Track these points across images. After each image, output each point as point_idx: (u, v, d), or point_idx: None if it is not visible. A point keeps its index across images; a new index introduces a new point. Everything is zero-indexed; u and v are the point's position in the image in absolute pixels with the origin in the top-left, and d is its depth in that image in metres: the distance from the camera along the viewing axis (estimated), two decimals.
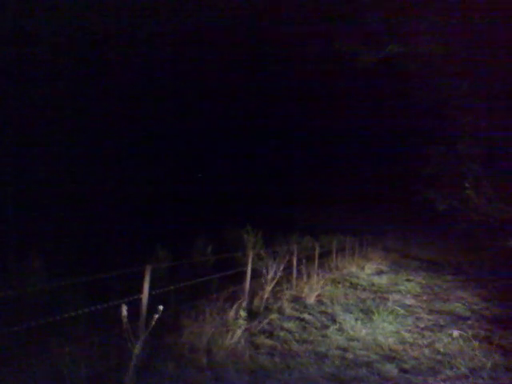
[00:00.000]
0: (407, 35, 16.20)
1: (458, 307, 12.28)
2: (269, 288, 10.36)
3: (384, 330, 8.96)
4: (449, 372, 6.83)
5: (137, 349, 5.43)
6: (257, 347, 7.19)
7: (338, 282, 14.77)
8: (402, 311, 10.87)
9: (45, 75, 25.58)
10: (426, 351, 7.84)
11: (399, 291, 14.29)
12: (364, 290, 14.04)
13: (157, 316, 5.36)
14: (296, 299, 11.21)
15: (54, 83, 26.31)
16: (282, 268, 10.78)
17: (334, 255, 17.98)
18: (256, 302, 9.93)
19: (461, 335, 8.93)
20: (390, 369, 6.79)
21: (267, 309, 9.85)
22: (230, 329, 7.11)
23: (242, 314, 7.70)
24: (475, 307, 12.40)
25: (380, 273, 18.69)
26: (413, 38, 16.13)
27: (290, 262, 12.08)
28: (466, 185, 16.61)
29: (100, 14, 24.32)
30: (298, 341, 7.80)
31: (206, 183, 45.84)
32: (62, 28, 24.08)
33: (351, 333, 8.59)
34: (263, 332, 8.04)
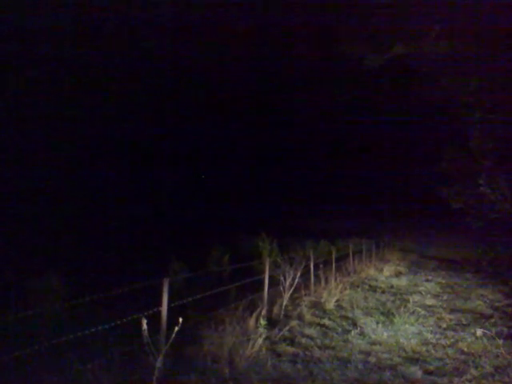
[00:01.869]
0: (412, 36, 16.20)
1: (479, 305, 12.16)
2: (287, 295, 10.31)
3: (406, 332, 8.88)
4: (474, 371, 6.75)
5: (159, 362, 5.42)
6: (279, 355, 7.15)
7: (357, 286, 14.67)
8: (423, 312, 10.77)
9: None
10: (450, 351, 7.76)
11: (419, 292, 14.18)
12: (383, 292, 13.93)
13: (177, 328, 5.35)
14: (315, 305, 11.15)
15: None
16: (299, 274, 10.73)
17: (351, 258, 17.85)
18: (275, 309, 9.89)
19: (484, 334, 8.83)
20: (414, 371, 6.71)
21: (287, 316, 9.81)
22: (251, 338, 7.09)
23: (262, 322, 7.69)
24: (497, 304, 12.27)
25: (399, 274, 18.54)
26: (418, 38, 16.12)
27: (306, 267, 12.02)
28: (480, 182, 16.47)
29: None
30: (319, 347, 7.75)
31: (218, 191, 45.82)
32: None
33: (373, 336, 8.53)
34: (284, 339, 8.00)
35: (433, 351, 7.74)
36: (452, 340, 8.51)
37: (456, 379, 6.45)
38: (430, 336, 8.75)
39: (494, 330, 9.10)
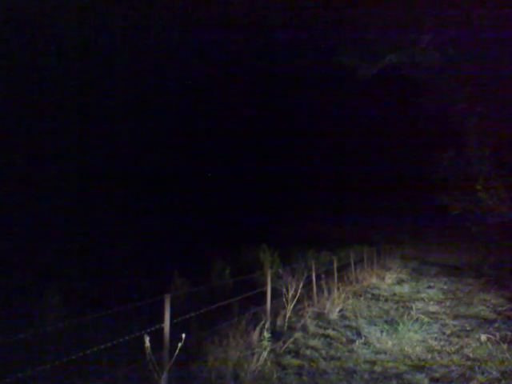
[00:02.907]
0: (404, 45, 16.33)
1: (482, 310, 12.14)
2: (290, 306, 10.28)
3: (410, 340, 8.85)
4: (480, 377, 6.73)
5: (163, 379, 5.39)
6: (284, 368, 7.12)
7: (360, 295, 14.64)
8: (426, 319, 10.74)
9: None
10: (455, 358, 7.73)
11: (422, 299, 14.15)
12: (386, 300, 13.90)
13: (180, 344, 5.33)
14: (319, 315, 11.11)
15: None
16: (301, 285, 10.70)
17: (353, 267, 17.83)
18: (279, 321, 9.86)
19: (489, 339, 8.81)
20: (421, 379, 6.69)
21: (290, 328, 9.77)
22: (255, 351, 7.05)
23: (266, 335, 7.64)
24: (500, 309, 12.26)
25: (401, 282, 18.52)
26: (410, 48, 16.25)
27: (308, 278, 11.99)
28: (478, 187, 16.54)
29: None
30: (324, 358, 7.71)
31: (218, 202, 45.73)
32: None
33: (378, 345, 8.49)
34: (289, 352, 7.96)
35: (438, 358, 7.71)
36: (457, 346, 8.48)
37: None
38: (434, 343, 8.73)
39: (498, 334, 9.07)
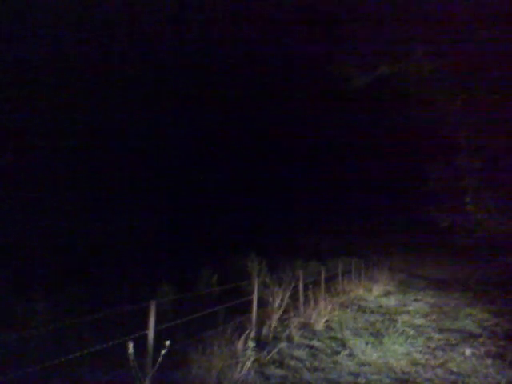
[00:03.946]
0: (397, 56, 16.45)
1: (468, 324, 12.16)
2: (276, 316, 10.26)
3: (395, 353, 8.85)
4: None
5: None
6: (267, 378, 7.08)
7: (346, 306, 14.64)
8: (412, 332, 10.75)
9: None
10: (439, 372, 7.72)
11: (408, 312, 14.16)
12: (372, 312, 13.90)
13: (163, 352, 5.29)
14: (304, 326, 11.09)
15: None
16: (288, 295, 10.70)
17: (341, 278, 17.85)
18: (264, 331, 9.82)
19: (473, 353, 8.82)
20: None
21: (276, 337, 9.74)
22: (239, 360, 7.01)
23: (251, 344, 7.60)
24: (485, 324, 12.28)
25: (388, 294, 18.54)
26: (402, 59, 16.38)
27: (296, 288, 11.99)
28: (467, 199, 16.63)
29: None
30: (308, 369, 7.68)
31: (207, 210, 45.57)
32: None
33: (362, 357, 8.48)
34: (273, 362, 7.93)
35: (422, 372, 7.70)
36: (441, 360, 8.48)
37: None
38: (419, 356, 8.72)
39: (482, 349, 9.11)
